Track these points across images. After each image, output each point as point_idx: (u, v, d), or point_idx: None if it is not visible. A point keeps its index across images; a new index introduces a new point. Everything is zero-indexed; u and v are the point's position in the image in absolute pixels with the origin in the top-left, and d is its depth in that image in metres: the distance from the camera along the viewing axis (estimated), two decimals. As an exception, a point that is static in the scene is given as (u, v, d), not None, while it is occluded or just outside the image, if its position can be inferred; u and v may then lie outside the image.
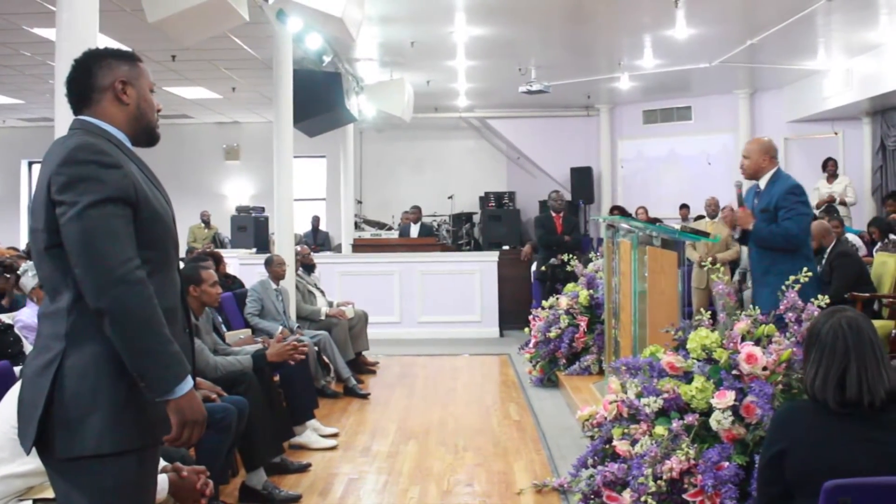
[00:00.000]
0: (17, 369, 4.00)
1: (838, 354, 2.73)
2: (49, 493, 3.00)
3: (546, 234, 11.58)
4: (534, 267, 12.41)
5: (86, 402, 2.35)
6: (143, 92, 2.63)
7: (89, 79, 2.57)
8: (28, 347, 5.34)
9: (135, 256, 2.36)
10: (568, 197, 16.56)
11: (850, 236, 10.14)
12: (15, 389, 2.71)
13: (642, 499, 4.05)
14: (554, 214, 11.64)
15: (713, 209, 11.58)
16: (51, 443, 2.37)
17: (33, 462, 2.81)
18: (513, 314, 12.00)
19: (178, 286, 2.62)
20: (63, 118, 4.81)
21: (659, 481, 4.04)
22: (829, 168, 12.99)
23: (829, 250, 7.98)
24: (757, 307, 4.68)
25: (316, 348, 7.79)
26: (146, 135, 2.64)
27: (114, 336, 2.33)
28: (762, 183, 5.79)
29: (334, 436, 6.57)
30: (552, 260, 11.07)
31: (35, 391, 2.38)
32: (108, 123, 2.55)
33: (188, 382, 2.42)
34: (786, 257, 5.48)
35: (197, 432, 2.46)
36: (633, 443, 4.34)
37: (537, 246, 12.64)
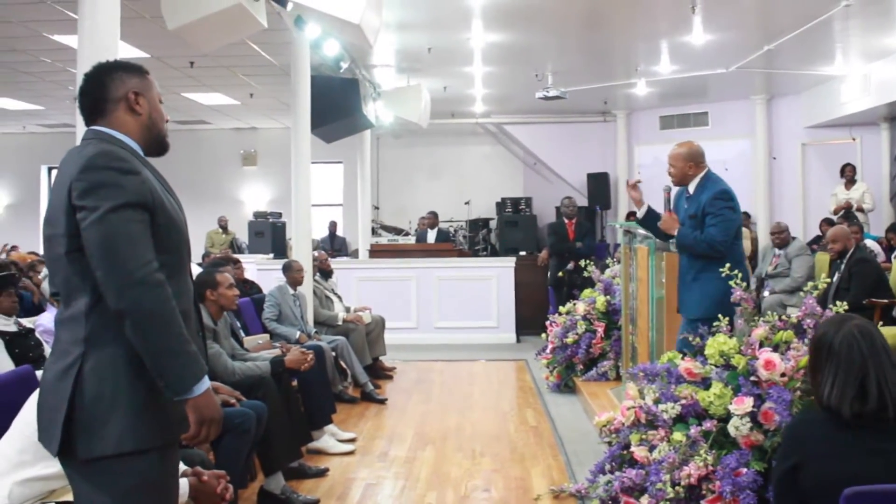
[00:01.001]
0: (38, 373, 4.03)
1: (855, 364, 2.72)
2: (70, 497, 3.03)
3: (558, 242, 11.59)
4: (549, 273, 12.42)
5: (106, 403, 2.42)
6: (154, 102, 2.73)
7: (102, 90, 2.66)
8: (48, 351, 5.38)
9: (154, 259, 2.44)
10: (582, 203, 16.56)
11: (869, 242, 10.11)
12: (36, 395, 2.73)
13: (660, 505, 4.05)
14: (566, 221, 11.64)
15: None
16: (73, 445, 2.43)
17: (55, 465, 2.84)
18: (529, 320, 12.00)
19: (191, 291, 2.70)
20: (83, 125, 4.85)
21: (677, 487, 4.04)
22: (847, 174, 12.93)
23: (848, 256, 7.95)
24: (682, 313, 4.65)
25: (333, 353, 7.81)
26: (157, 144, 2.75)
27: (133, 336, 2.40)
28: (691, 188, 5.79)
29: (352, 441, 6.59)
30: (569, 266, 11.07)
31: (56, 396, 2.45)
32: (121, 133, 2.64)
33: (205, 382, 2.50)
34: (716, 263, 5.45)
35: (214, 430, 2.53)
36: (651, 449, 4.34)
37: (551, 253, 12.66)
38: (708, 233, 5.51)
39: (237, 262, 8.85)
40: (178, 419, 2.52)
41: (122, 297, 2.38)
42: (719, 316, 4.71)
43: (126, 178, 2.46)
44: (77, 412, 2.42)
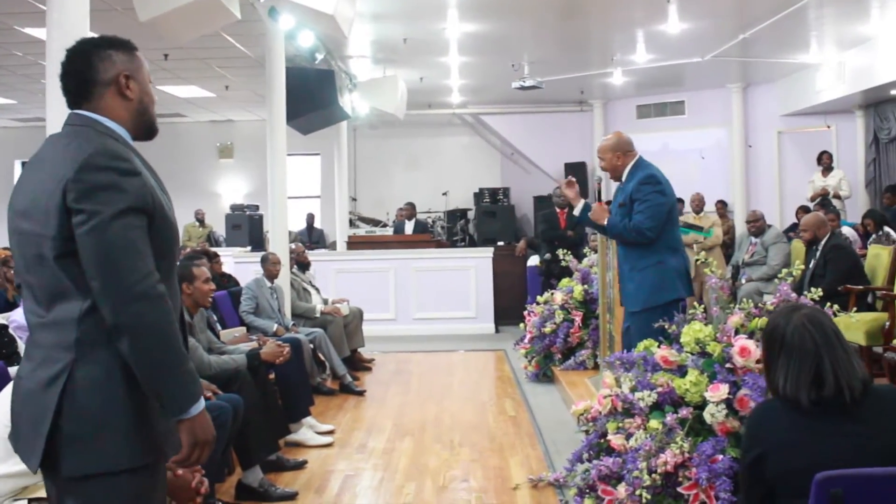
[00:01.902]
0: (12, 370, 3.99)
1: (808, 353, 2.74)
2: (44, 493, 3.00)
3: (549, 230, 11.60)
4: (531, 262, 12.42)
5: (98, 416, 2.25)
6: (145, 85, 2.52)
7: (90, 72, 2.43)
8: (22, 348, 5.32)
9: (154, 270, 2.28)
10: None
11: (846, 229, 10.17)
12: (8, 390, 2.64)
13: (637, 492, 4.05)
14: (558, 210, 11.66)
15: (698, 205, 11.68)
16: (57, 460, 2.25)
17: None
18: (508, 310, 12.02)
19: (178, 294, 2.57)
20: (55, 118, 4.80)
21: (654, 475, 4.05)
22: (824, 161, 12.99)
23: (822, 243, 7.99)
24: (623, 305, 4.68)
25: (311, 345, 7.80)
26: (147, 129, 2.54)
27: (130, 353, 2.23)
28: (623, 177, 5.81)
29: (330, 433, 6.58)
30: (546, 255, 11.09)
31: (40, 406, 2.26)
32: (110, 119, 2.43)
33: (202, 402, 2.34)
34: (650, 252, 5.49)
35: (206, 453, 2.39)
36: (628, 437, 4.35)
37: (535, 242, 12.66)
38: (635, 220, 5.54)
39: (215, 255, 8.82)
40: (169, 434, 2.36)
41: (122, 311, 2.21)
42: (695, 304, 4.73)
43: (127, 181, 2.28)
44: (65, 424, 2.23)
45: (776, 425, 2.76)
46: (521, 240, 14.11)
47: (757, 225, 10.14)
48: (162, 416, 2.32)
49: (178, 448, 2.37)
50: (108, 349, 2.26)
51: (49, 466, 2.27)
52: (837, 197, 12.52)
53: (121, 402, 2.27)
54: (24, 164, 18.28)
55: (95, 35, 2.55)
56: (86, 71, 2.43)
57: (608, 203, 6.10)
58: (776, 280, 4.74)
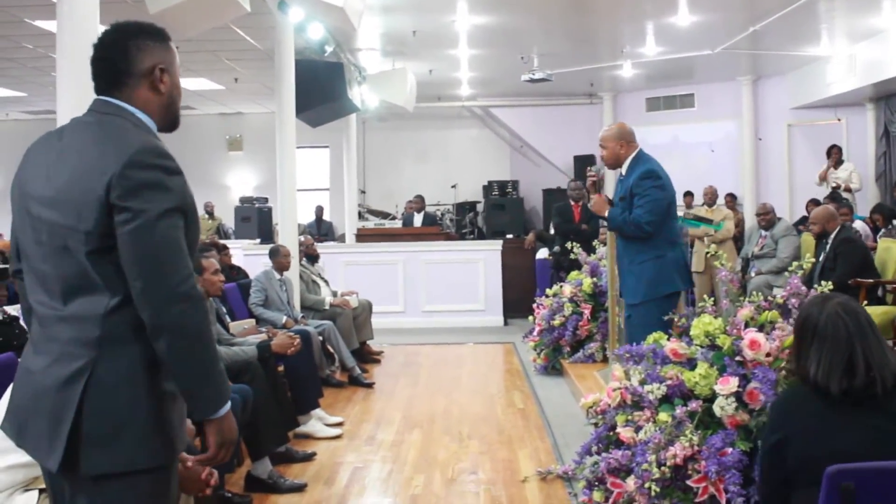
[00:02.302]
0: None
1: (841, 342, 2.72)
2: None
3: (563, 223, 11.57)
4: (540, 255, 12.40)
5: (121, 415, 2.21)
6: (176, 78, 2.46)
7: (126, 62, 2.36)
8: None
9: (193, 270, 2.26)
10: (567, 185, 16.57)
11: (858, 223, 10.14)
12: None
13: (646, 485, 4.05)
14: (573, 203, 11.63)
15: (710, 198, 11.64)
16: (75, 459, 2.20)
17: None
18: (516, 302, 12.01)
19: None
20: (65, 111, 4.80)
21: (663, 467, 4.04)
22: (834, 154, 12.95)
23: (833, 236, 7.96)
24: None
25: (320, 338, 7.81)
26: (172, 122, 2.49)
27: (169, 353, 2.19)
28: (624, 169, 5.82)
29: (339, 425, 6.59)
30: (555, 248, 11.05)
31: (59, 403, 2.21)
32: (140, 110, 2.38)
33: (229, 402, 2.34)
34: (649, 246, 5.50)
35: (231, 452, 2.39)
36: (637, 430, 4.34)
37: (544, 234, 12.63)
38: (635, 213, 5.57)
39: (224, 247, 8.84)
40: (184, 433, 2.36)
41: (165, 312, 2.17)
42: (705, 297, 4.73)
43: (172, 180, 2.25)
44: (86, 423, 2.18)
45: (802, 411, 2.75)
46: (529, 232, 14.08)
47: (767, 218, 10.11)
48: (193, 418, 2.32)
49: (185, 444, 2.36)
50: (132, 347, 2.23)
51: (67, 466, 2.22)
52: (848, 190, 12.47)
53: (143, 401, 2.23)
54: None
55: (130, 21, 2.45)
56: (122, 60, 2.37)
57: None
58: (786, 273, 4.73)
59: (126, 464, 2.21)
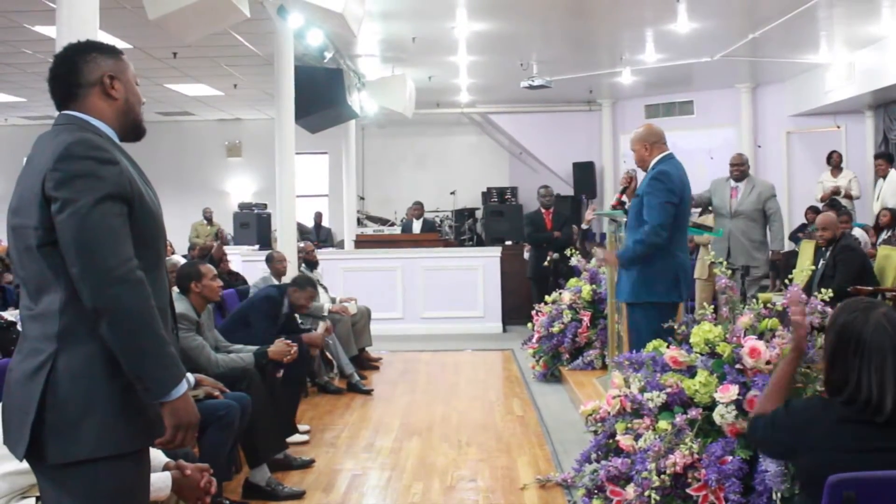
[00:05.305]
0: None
1: (889, 356, 2.53)
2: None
3: (534, 232, 11.52)
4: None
5: (81, 404, 2.28)
6: (131, 85, 2.56)
7: (75, 74, 2.49)
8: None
9: (133, 256, 2.31)
10: (568, 192, 16.61)
11: (857, 231, 10.12)
12: None
13: (646, 493, 4.04)
14: (544, 211, 11.59)
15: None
16: (42, 449, 2.30)
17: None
18: (516, 309, 12.01)
19: (166, 286, 2.56)
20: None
21: (662, 476, 4.03)
22: (834, 161, 12.92)
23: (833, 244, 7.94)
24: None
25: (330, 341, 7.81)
26: (133, 129, 2.58)
27: (111, 337, 2.27)
28: (648, 171, 5.76)
29: (306, 432, 6.52)
30: (554, 255, 11.02)
31: (25, 396, 2.31)
32: (95, 119, 2.48)
33: (184, 385, 2.37)
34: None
35: (190, 436, 2.41)
36: (637, 437, 4.33)
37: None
38: (641, 233, 5.50)
39: (221, 258, 8.84)
40: (154, 421, 2.38)
41: (100, 295, 2.24)
42: (705, 304, 4.72)
43: (105, 169, 2.31)
44: (48, 413, 2.27)
45: (821, 426, 2.57)
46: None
47: (741, 169, 9.83)
48: (145, 400, 2.34)
49: (163, 433, 2.40)
50: (90, 339, 2.30)
51: (35, 456, 2.32)
52: (848, 197, 12.44)
53: (103, 390, 2.31)
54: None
55: (80, 41, 2.62)
56: (71, 73, 2.50)
57: (620, 203, 6.09)
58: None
59: (89, 451, 2.28)
